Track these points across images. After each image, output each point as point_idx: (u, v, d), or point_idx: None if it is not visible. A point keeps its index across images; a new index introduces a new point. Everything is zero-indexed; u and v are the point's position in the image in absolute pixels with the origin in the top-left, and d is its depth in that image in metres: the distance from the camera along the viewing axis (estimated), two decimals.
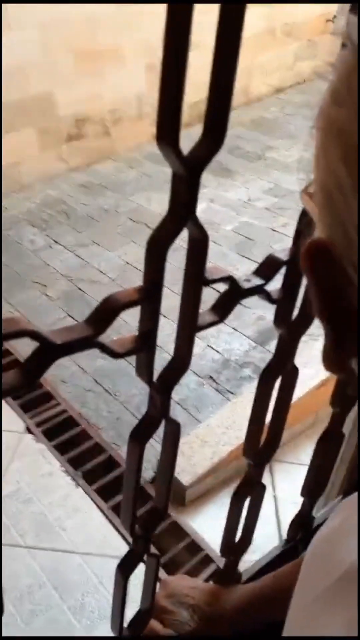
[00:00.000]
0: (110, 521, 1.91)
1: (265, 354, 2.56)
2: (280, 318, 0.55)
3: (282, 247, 3.32)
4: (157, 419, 0.49)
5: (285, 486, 2.00)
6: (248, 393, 2.35)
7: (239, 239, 3.39)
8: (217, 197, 3.78)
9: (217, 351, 2.60)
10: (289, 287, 0.52)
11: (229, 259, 3.19)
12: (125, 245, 3.37)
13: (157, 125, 0.32)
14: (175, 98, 0.31)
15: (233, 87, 0.32)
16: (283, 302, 0.53)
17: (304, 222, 0.48)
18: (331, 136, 0.26)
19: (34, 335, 0.34)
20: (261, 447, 0.67)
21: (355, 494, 0.37)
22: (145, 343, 0.42)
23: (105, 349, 0.39)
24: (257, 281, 0.49)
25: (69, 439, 2.18)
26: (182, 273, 0.43)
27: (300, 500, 0.88)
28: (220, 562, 1.86)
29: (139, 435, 0.48)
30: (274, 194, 3.84)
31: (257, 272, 0.49)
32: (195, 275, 0.42)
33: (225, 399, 2.38)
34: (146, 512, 0.58)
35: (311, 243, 0.28)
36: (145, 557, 0.63)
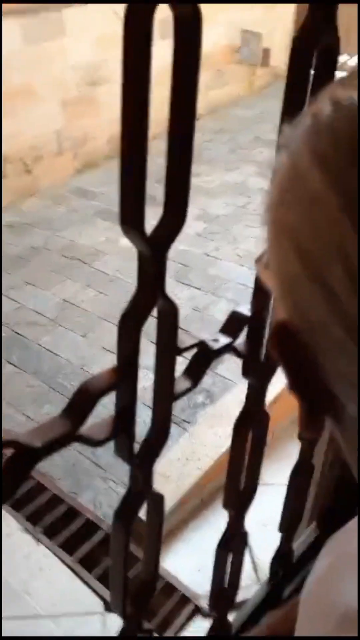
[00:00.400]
0: (77, 575, 1.82)
1: (216, 378, 2.56)
2: (249, 369, 0.54)
3: (216, 271, 3.33)
4: (141, 495, 0.46)
5: (251, 508, 2.00)
6: (203, 420, 2.34)
7: (176, 267, 3.41)
8: (148, 227, 3.79)
9: None
10: (254, 339, 0.52)
11: (169, 287, 3.18)
12: (60, 282, 3.30)
13: (120, 210, 0.31)
14: (137, 185, 0.30)
15: (190, 173, 0.31)
16: (249, 355, 0.52)
17: (259, 283, 0.48)
18: (282, 234, 0.29)
19: (9, 444, 0.31)
20: (241, 494, 0.66)
21: (342, 531, 0.37)
22: (124, 424, 0.40)
23: (85, 441, 0.36)
24: (224, 340, 0.48)
25: (24, 494, 2.06)
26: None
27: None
28: (197, 599, 1.82)
29: (124, 515, 0.45)
30: (203, 220, 3.91)
31: (223, 330, 0.49)
32: (168, 347, 0.41)
33: (182, 429, 2.35)
34: (136, 588, 0.54)
35: (275, 329, 0.31)
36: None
